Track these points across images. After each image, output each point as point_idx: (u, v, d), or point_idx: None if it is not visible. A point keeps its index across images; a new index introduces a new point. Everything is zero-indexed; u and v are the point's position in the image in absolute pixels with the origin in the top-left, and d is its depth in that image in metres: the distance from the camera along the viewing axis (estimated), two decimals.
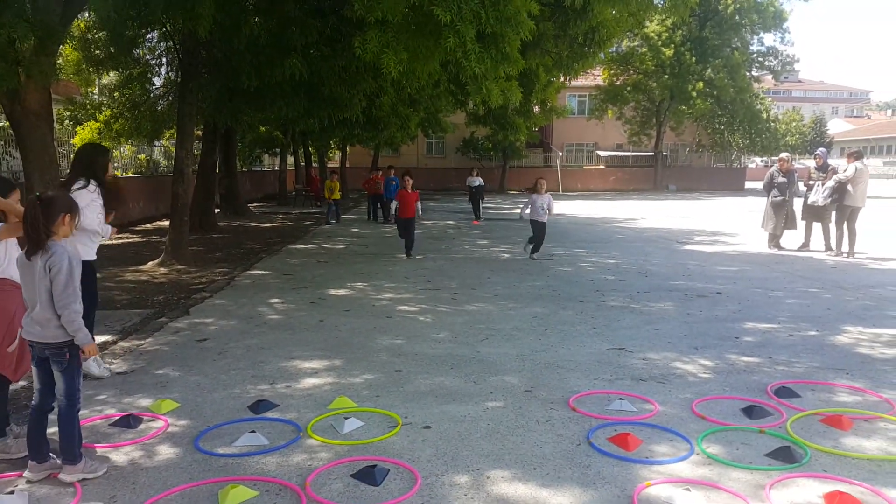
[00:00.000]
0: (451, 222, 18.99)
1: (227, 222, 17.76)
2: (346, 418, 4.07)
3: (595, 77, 38.53)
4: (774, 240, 12.30)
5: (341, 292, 8.42)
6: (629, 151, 42.51)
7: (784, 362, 5.39)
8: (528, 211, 11.09)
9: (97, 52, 13.46)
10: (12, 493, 3.06)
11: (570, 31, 10.21)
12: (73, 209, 3.40)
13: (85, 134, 17.45)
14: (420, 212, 11.59)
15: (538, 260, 11.07)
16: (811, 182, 11.79)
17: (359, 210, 22.95)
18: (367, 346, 5.85)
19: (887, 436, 3.92)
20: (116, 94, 17.06)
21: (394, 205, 11.43)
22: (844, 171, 11.13)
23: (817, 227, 11.87)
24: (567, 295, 8.16)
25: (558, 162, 40.68)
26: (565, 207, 25.81)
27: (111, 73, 15.67)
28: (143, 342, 6.00)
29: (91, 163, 4.81)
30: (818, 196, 11.35)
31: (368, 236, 15.39)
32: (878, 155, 60.07)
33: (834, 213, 11.38)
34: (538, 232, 11.18)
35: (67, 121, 18.78)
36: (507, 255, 11.85)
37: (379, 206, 19.17)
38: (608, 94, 38.32)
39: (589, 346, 5.87)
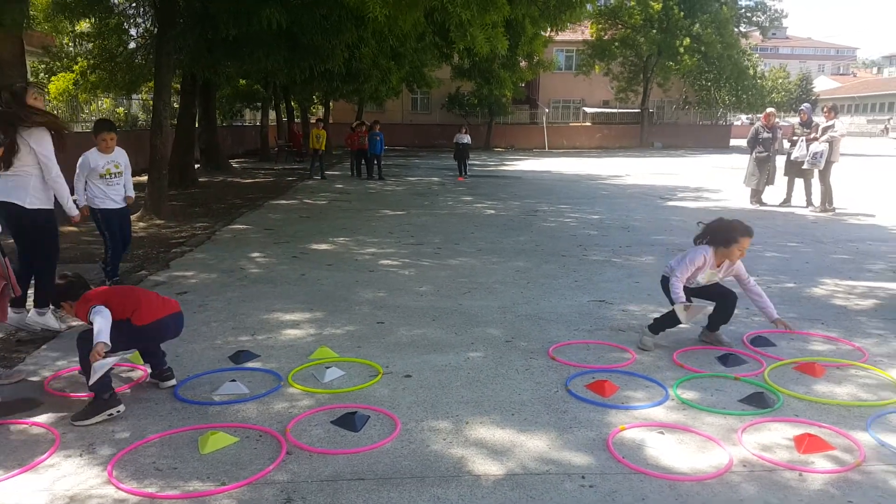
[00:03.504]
0: (435, 179, 18.86)
1: (207, 177, 17.50)
2: (327, 368, 4.08)
3: (583, 31, 37.95)
4: (756, 195, 12.36)
5: (323, 247, 8.38)
6: (616, 108, 42.21)
7: (761, 313, 5.45)
8: (678, 289, 4.42)
9: None
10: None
11: None
12: None
13: (60, 83, 16.99)
14: None
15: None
16: (795, 138, 11.78)
17: (342, 167, 22.69)
18: (348, 299, 5.85)
19: (858, 382, 4.01)
20: (92, 44, 16.56)
21: None
22: (832, 127, 11.09)
23: (798, 182, 11.93)
24: (550, 250, 8.18)
25: (544, 118, 40.32)
26: (551, 164, 25.72)
27: (85, 23, 15.10)
28: None
29: None
30: (815, 161, 11.12)
31: (352, 192, 15.27)
32: (863, 113, 60.14)
33: (817, 171, 11.40)
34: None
35: (42, 73, 18.27)
36: (490, 212, 11.82)
37: (363, 161, 18.99)
38: (596, 48, 37.82)
39: (570, 298, 5.91)
